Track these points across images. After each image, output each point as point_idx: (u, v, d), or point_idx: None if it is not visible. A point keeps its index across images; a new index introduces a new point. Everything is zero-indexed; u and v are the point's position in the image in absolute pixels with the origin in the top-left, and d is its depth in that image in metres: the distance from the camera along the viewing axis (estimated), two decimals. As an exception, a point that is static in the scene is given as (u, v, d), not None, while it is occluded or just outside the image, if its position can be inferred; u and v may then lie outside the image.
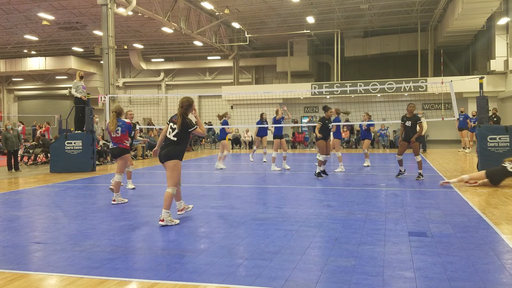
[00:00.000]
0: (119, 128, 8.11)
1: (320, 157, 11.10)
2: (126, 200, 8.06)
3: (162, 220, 6.08)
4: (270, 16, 26.88)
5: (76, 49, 34.35)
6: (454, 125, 25.77)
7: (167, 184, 6.23)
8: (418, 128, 10.56)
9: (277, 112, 13.50)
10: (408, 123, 10.38)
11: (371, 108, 25.06)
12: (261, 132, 14.44)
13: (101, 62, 25.64)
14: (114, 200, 7.90)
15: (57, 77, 39.81)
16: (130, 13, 20.62)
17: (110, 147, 8.51)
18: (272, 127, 14.06)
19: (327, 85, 27.83)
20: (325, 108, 11.35)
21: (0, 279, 4.05)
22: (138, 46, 34.08)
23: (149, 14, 22.02)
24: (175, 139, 6.24)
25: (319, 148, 11.24)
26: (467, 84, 20.09)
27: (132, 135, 8.23)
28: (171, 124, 6.29)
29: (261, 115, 14.33)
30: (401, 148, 10.69)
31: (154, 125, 25.22)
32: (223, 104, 31.99)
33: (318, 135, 11.06)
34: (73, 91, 13.83)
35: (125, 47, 34.23)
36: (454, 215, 6.49)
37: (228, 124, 14.34)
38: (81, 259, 4.62)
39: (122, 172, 8.17)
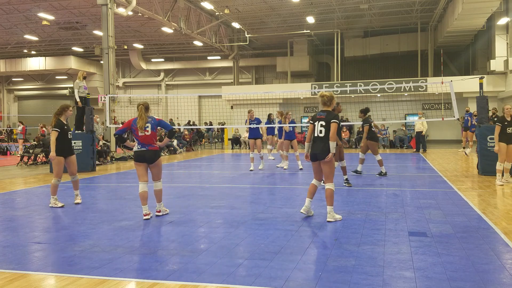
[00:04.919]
0: (149, 125, 6.40)
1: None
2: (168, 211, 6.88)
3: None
4: (270, 16, 26.87)
5: (76, 49, 34.36)
6: (453, 125, 25.85)
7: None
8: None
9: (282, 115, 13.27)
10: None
11: (371, 108, 25.08)
12: (269, 132, 14.07)
13: (101, 62, 25.65)
14: (159, 211, 6.67)
15: (57, 77, 39.83)
16: (130, 13, 20.63)
17: (137, 149, 6.47)
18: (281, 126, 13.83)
19: (327, 85, 27.81)
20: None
21: (0, 279, 4.05)
22: (138, 46, 34.09)
23: (149, 14, 22.02)
24: None
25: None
26: (467, 84, 20.09)
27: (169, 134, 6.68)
28: None
29: (269, 115, 14.23)
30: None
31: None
32: (223, 104, 32.00)
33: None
34: (75, 92, 13.80)
35: (125, 47, 34.24)
36: (454, 215, 6.49)
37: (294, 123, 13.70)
38: (81, 259, 4.62)
39: (159, 179, 6.66)
